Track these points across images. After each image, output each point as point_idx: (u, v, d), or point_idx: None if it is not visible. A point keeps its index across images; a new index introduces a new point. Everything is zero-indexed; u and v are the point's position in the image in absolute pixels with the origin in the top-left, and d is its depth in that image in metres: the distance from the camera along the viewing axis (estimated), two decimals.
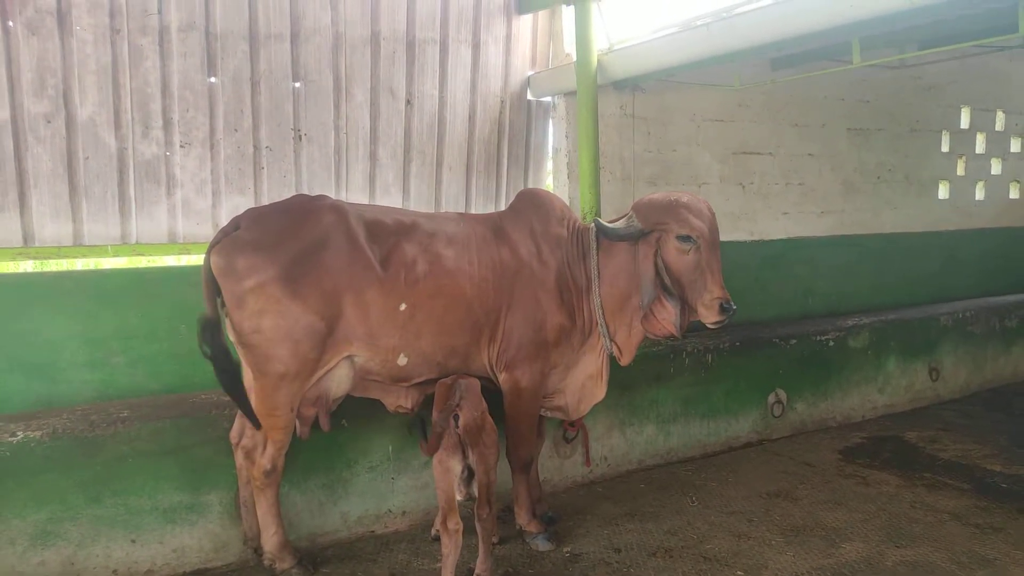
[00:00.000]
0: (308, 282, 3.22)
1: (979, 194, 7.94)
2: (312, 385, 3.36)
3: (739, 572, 3.52)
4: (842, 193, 6.84)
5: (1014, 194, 8.26)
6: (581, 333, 3.74)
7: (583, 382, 3.87)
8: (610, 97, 5.40)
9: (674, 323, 3.49)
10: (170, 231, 4.39)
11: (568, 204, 4.42)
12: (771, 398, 5.47)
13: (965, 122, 7.68)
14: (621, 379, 4.27)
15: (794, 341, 5.61)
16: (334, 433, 3.65)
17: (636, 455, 4.87)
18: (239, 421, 3.52)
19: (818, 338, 5.74)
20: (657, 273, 3.48)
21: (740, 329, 5.73)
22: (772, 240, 6.36)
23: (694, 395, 5.09)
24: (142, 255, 4.34)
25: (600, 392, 3.88)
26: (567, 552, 3.73)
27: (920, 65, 6.78)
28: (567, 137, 5.45)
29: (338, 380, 3.44)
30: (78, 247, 4.16)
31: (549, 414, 4.04)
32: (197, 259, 4.30)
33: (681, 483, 4.65)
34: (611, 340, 3.72)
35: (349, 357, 3.40)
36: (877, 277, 7.07)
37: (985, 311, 6.84)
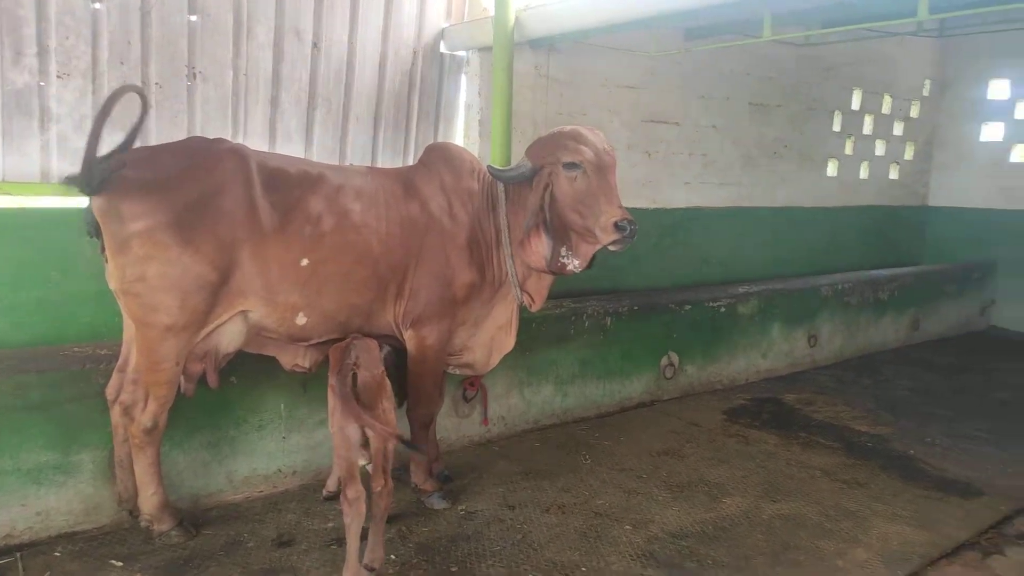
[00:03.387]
0: (202, 230, 3.05)
1: (863, 173, 8.44)
2: (201, 340, 3.20)
3: (627, 526, 3.67)
4: (741, 166, 7.09)
5: (894, 175, 8.83)
6: (491, 286, 3.74)
7: (493, 334, 3.88)
8: (525, 56, 5.34)
9: (544, 256, 3.45)
10: (43, 169, 4.02)
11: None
12: (664, 361, 5.68)
13: (856, 103, 8.11)
14: (522, 340, 4.30)
15: (688, 307, 5.82)
16: (222, 390, 3.50)
17: (533, 415, 4.96)
18: (116, 376, 3.33)
19: (710, 304, 5.98)
20: (541, 206, 3.46)
21: (638, 295, 5.90)
22: (673, 208, 6.55)
23: (592, 357, 5.21)
24: (8, 194, 3.96)
25: (510, 342, 3.90)
26: (462, 510, 3.77)
27: (821, 45, 7.07)
28: (480, 94, 5.36)
29: (230, 336, 3.29)
30: None
31: (458, 371, 4.05)
32: (73, 201, 3.99)
33: (576, 442, 4.78)
34: (522, 289, 3.74)
35: (243, 312, 3.26)
36: (768, 248, 7.43)
37: (861, 284, 7.31)
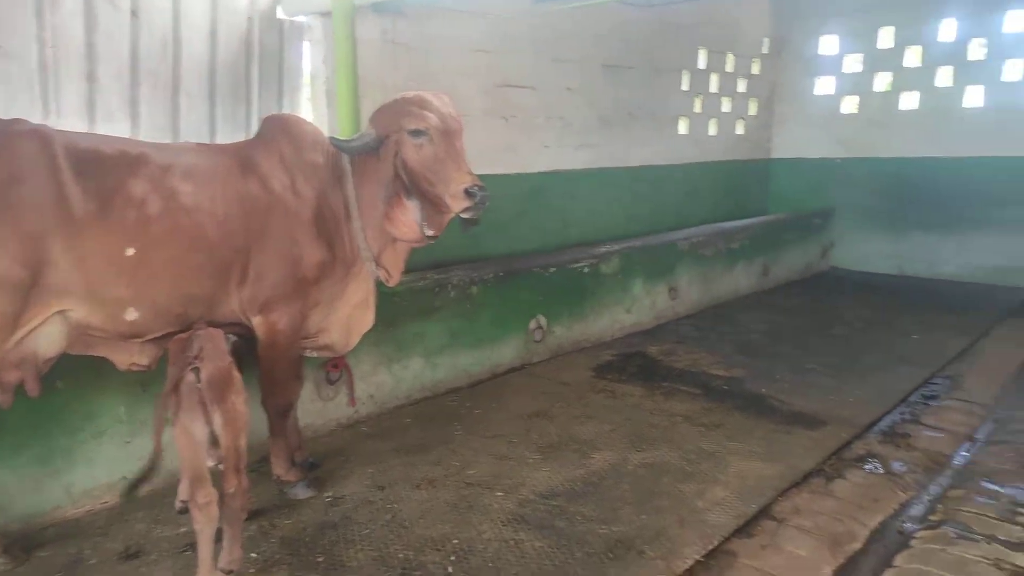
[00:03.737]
0: (1, 224, 2.72)
1: (712, 130, 8.83)
2: (13, 346, 2.88)
3: (498, 493, 3.69)
4: (598, 128, 7.21)
5: (740, 130, 9.30)
6: (344, 264, 3.58)
7: (350, 313, 3.73)
8: (370, 21, 5.12)
9: (417, 221, 3.39)
10: None
11: (327, 132, 4.16)
12: (532, 324, 5.74)
13: (703, 63, 8.42)
14: (386, 315, 4.21)
15: (553, 269, 5.90)
16: (47, 398, 3.18)
17: (403, 390, 4.88)
18: None
19: (574, 266, 6.09)
20: (396, 174, 3.37)
21: (504, 261, 5.91)
22: (533, 173, 6.58)
23: (460, 326, 5.18)
24: None
25: (369, 319, 3.78)
26: (328, 497, 3.66)
27: (666, 6, 7.26)
28: (325, 62, 5.10)
29: (48, 339, 2.97)
30: None
31: (316, 354, 3.88)
32: None
33: (448, 413, 4.76)
34: (377, 264, 3.62)
35: (62, 312, 2.96)
36: (628, 207, 7.65)
37: (714, 236, 7.70)
